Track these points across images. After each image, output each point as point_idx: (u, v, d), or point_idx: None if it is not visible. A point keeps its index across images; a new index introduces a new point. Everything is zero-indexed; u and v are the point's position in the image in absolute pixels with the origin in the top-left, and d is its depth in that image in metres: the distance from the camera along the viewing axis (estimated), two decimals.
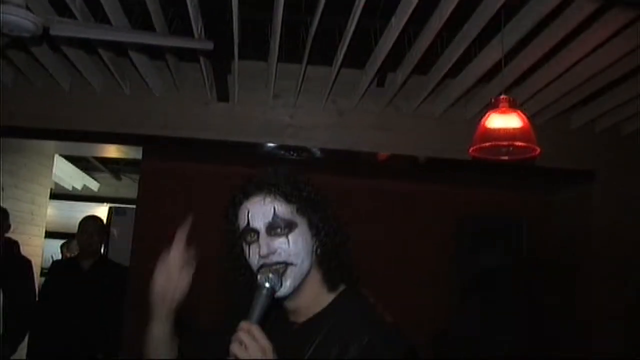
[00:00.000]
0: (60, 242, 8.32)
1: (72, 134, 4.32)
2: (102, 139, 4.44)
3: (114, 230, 6.43)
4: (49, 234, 7.85)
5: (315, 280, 1.55)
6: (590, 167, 4.49)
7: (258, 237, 1.50)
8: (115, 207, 6.80)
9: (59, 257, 7.83)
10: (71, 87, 4.22)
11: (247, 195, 1.55)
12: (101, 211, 7.51)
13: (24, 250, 5.40)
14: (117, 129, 4.21)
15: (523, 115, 2.90)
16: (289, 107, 4.24)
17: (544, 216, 5.09)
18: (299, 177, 1.58)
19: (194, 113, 4.19)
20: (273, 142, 4.25)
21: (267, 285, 1.42)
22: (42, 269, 6.66)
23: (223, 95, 4.10)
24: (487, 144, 2.85)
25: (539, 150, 2.88)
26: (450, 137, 4.23)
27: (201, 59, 3.63)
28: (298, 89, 4.06)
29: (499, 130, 2.84)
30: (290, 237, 1.49)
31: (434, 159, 4.34)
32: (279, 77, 3.97)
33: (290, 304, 1.57)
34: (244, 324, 1.34)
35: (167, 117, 4.20)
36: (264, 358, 1.30)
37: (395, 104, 4.25)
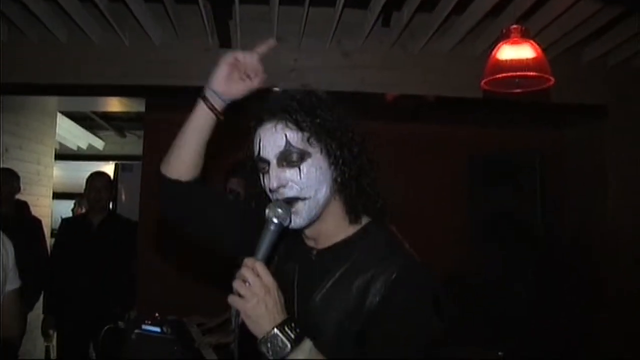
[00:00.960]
0: (68, 202, 8.33)
1: (73, 88, 4.24)
2: (103, 92, 4.37)
3: (122, 187, 6.41)
4: (57, 195, 7.85)
5: (337, 210, 1.50)
6: (602, 102, 4.40)
7: (269, 167, 1.44)
8: (122, 164, 6.76)
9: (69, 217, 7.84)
10: (68, 39, 4.11)
11: (259, 121, 1.49)
12: (107, 169, 7.44)
13: (34, 212, 5.41)
14: (118, 81, 4.12)
15: (536, 45, 2.81)
16: (293, 51, 4.13)
17: (557, 152, 5.03)
18: (315, 97, 1.48)
19: (196, 60, 4.07)
20: (277, 87, 4.09)
21: (274, 220, 1.37)
22: (52, 229, 6.66)
23: (225, 41, 3.99)
24: (499, 75, 2.76)
25: (553, 80, 2.79)
26: (459, 75, 4.13)
27: (201, 3, 3.52)
28: (301, 31, 3.95)
29: (511, 61, 2.76)
30: (302, 167, 1.42)
31: (443, 97, 4.24)
32: (281, 20, 3.85)
33: (309, 231, 1.54)
34: (248, 261, 1.31)
35: (168, 66, 4.10)
36: (267, 296, 1.28)
37: (402, 43, 4.12)
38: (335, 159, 1.43)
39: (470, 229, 4.91)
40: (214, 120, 1.58)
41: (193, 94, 4.08)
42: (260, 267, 1.30)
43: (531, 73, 2.74)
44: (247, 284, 1.27)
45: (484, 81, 2.86)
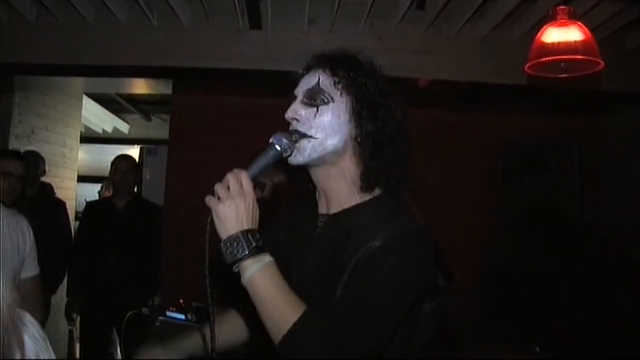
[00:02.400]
0: (92, 185, 8.32)
1: (99, 70, 4.17)
2: (130, 73, 4.31)
3: (147, 170, 6.35)
4: (81, 178, 7.85)
5: (350, 171, 1.50)
6: None
7: (294, 101, 1.51)
8: (147, 147, 6.70)
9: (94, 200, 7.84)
10: (96, 20, 4.03)
11: (307, 68, 1.55)
12: (132, 153, 7.41)
13: (58, 194, 5.39)
14: (145, 62, 4.04)
15: (584, 27, 2.66)
16: (325, 33, 3.99)
17: (596, 140, 4.86)
18: (361, 58, 1.52)
19: (225, 42, 3.98)
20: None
21: (276, 147, 1.42)
22: (76, 212, 6.65)
23: (255, 22, 3.88)
24: (545, 59, 2.62)
25: (602, 64, 2.64)
26: (496, 60, 3.98)
27: None
28: (334, 13, 3.81)
29: (558, 44, 2.61)
30: (320, 109, 1.47)
31: (478, 83, 4.09)
32: (313, 1, 3.73)
33: (321, 189, 1.57)
34: (235, 170, 1.38)
35: (197, 47, 4.00)
36: (240, 201, 1.34)
37: (437, 26, 3.97)
38: (357, 116, 1.45)
39: (506, 219, 4.77)
40: None
41: (222, 76, 4.01)
42: (244, 177, 1.37)
43: (579, 57, 2.59)
44: (226, 186, 1.35)
45: (528, 65, 2.72)
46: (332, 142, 1.45)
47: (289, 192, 1.86)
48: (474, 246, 4.65)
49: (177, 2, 3.75)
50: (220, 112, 4.82)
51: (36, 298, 2.43)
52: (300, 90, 1.51)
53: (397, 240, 1.38)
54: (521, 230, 4.60)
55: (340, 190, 1.51)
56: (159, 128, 9.47)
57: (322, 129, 1.45)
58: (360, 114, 1.45)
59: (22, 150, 4.81)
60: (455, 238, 4.56)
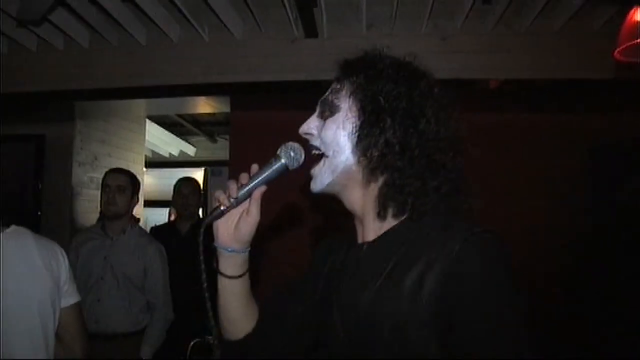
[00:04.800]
0: (161, 210, 8.37)
1: (155, 90, 4.09)
2: (186, 92, 4.20)
3: (212, 192, 6.28)
4: (150, 203, 7.88)
5: (368, 190, 1.28)
6: None
7: None
8: (211, 168, 6.64)
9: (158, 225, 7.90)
10: (147, 40, 3.97)
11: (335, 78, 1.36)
12: (199, 175, 7.42)
13: None
14: (199, 79, 3.93)
15: None
16: (385, 37, 3.76)
17: None
18: (382, 58, 1.32)
19: (281, 53, 3.83)
20: None
21: (282, 160, 1.30)
22: None
23: (311, 31, 3.71)
24: (638, 40, 2.30)
25: None
26: (574, 54, 3.64)
27: None
28: (393, 15, 3.59)
29: None
30: (326, 122, 1.30)
31: (555, 81, 3.76)
32: (370, 4, 3.54)
33: (353, 210, 1.34)
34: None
35: (251, 60, 3.86)
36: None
37: (506, 21, 3.68)
38: (361, 125, 1.24)
39: (592, 230, 4.38)
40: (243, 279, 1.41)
41: (279, 90, 3.83)
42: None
43: None
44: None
45: (617, 50, 2.42)
46: (342, 159, 1.26)
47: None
48: (559, 254, 4.32)
49: (228, 16, 3.64)
50: (279, 127, 4.60)
51: (77, 327, 2.29)
52: (320, 100, 1.36)
53: (478, 239, 1.10)
54: (610, 244, 4.22)
55: (371, 214, 1.28)
56: (224, 149, 9.43)
57: (329, 144, 1.27)
58: (365, 122, 1.23)
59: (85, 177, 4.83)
60: (539, 246, 4.25)
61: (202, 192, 4.92)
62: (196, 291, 3.83)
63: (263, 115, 4.90)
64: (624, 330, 3.93)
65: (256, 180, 1.30)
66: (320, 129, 1.30)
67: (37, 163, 5.53)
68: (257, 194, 1.30)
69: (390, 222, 1.25)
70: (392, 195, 1.22)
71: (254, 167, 1.33)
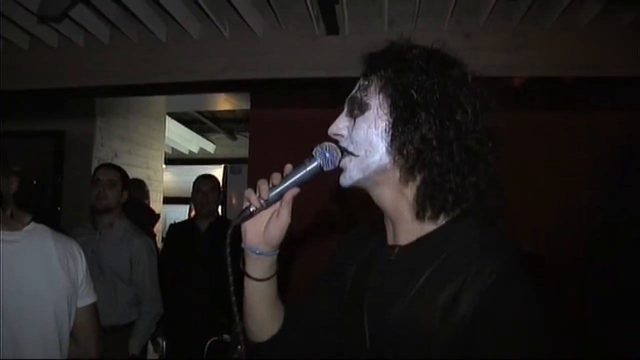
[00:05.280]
0: (180, 207, 8.40)
1: (176, 87, 4.06)
2: (206, 88, 4.18)
3: (231, 189, 6.26)
4: (169, 200, 7.90)
5: (407, 193, 1.21)
6: None
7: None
8: (231, 166, 6.63)
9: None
10: (168, 37, 3.95)
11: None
12: (219, 172, 7.44)
13: None
14: (220, 76, 3.90)
15: None
16: (408, 34, 3.67)
17: None
18: (414, 50, 1.24)
19: (301, 50, 3.78)
20: None
21: (317, 160, 1.25)
22: (162, 234, 6.65)
23: (332, 28, 3.65)
24: None
25: None
26: (603, 50, 3.54)
27: None
28: (416, 11, 3.52)
29: None
30: (356, 121, 1.22)
31: (583, 78, 3.65)
32: (393, 1, 3.47)
33: (384, 209, 1.28)
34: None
35: (271, 57, 3.82)
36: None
37: (532, 17, 3.59)
38: (394, 122, 1.17)
39: (623, 231, 4.29)
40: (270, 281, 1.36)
41: (299, 87, 3.79)
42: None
43: None
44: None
45: None
46: (375, 159, 1.19)
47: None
48: (580, 254, 4.24)
49: (249, 12, 3.60)
50: (300, 125, 4.64)
51: (92, 328, 2.27)
52: (348, 98, 1.28)
53: (513, 270, 1.07)
54: (626, 240, 4.15)
55: (405, 216, 1.22)
56: (244, 147, 9.43)
57: (361, 144, 1.20)
58: (398, 119, 1.16)
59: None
60: (561, 244, 4.18)
61: (221, 189, 4.89)
62: (214, 289, 3.84)
63: (283, 112, 4.87)
64: (634, 327, 3.86)
65: (289, 182, 1.25)
66: (351, 128, 1.23)
67: (57, 159, 5.56)
68: (289, 196, 1.25)
69: (426, 226, 1.20)
70: (431, 194, 1.15)
71: (288, 168, 1.28)
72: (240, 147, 9.74)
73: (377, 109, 1.19)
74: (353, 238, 1.48)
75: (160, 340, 4.46)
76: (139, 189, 5.41)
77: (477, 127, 1.16)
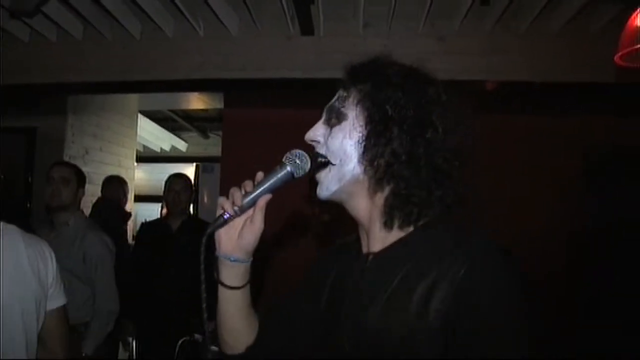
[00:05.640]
0: (152, 205, 8.32)
1: (148, 85, 4.04)
2: (180, 87, 4.15)
3: (203, 188, 6.23)
4: (141, 198, 7.82)
5: (375, 199, 1.25)
6: None
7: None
8: (203, 165, 6.60)
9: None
10: (142, 34, 3.92)
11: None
12: (191, 171, 7.41)
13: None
14: (194, 75, 3.88)
15: None
16: (382, 36, 3.73)
17: None
18: (389, 66, 1.27)
19: (276, 50, 3.78)
20: None
21: (288, 168, 1.25)
22: (133, 233, 6.59)
23: (307, 28, 3.66)
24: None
25: None
26: (573, 57, 3.62)
27: None
28: (391, 14, 3.55)
29: None
30: (333, 130, 1.26)
31: (553, 83, 3.71)
32: (368, 3, 3.49)
33: (358, 220, 1.31)
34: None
35: (246, 57, 3.82)
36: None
37: (504, 23, 3.66)
38: (368, 134, 1.21)
39: (587, 235, 4.36)
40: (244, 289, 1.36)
41: (273, 87, 3.78)
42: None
43: None
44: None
45: (618, 55, 2.37)
46: (349, 168, 1.23)
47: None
48: (550, 259, 4.30)
49: (224, 11, 3.60)
50: (273, 126, 4.63)
51: (62, 332, 2.22)
52: (326, 107, 1.31)
53: (486, 259, 1.09)
54: (603, 243, 4.21)
55: (377, 225, 1.25)
56: (216, 145, 9.41)
57: (336, 153, 1.24)
58: (372, 132, 1.20)
59: None
60: (532, 250, 4.23)
61: (193, 188, 4.86)
62: (186, 288, 3.82)
63: (256, 112, 4.86)
64: (618, 331, 3.92)
65: (261, 189, 1.25)
66: (327, 136, 1.27)
67: (28, 156, 5.48)
68: (262, 203, 1.26)
69: (396, 233, 1.23)
70: (398, 205, 1.20)
71: (259, 175, 1.28)
72: (212, 146, 9.70)
73: (354, 120, 1.22)
74: (334, 249, 1.50)
75: (130, 339, 4.41)
76: (118, 186, 5.37)
77: (446, 145, 1.19)
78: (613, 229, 4.18)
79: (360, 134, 1.21)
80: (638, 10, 2.32)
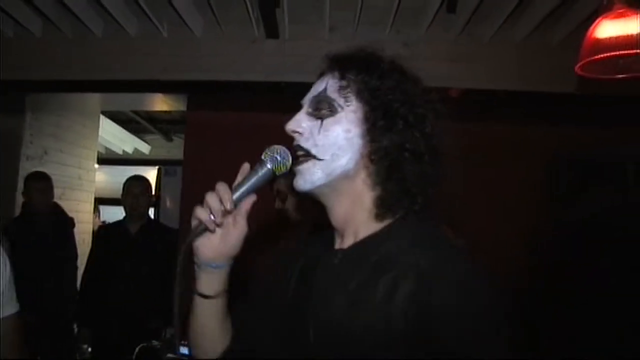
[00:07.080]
0: (114, 208, 8.19)
1: (111, 85, 3.96)
2: (142, 88, 4.09)
3: (165, 192, 6.14)
4: (102, 200, 7.69)
5: (363, 197, 1.21)
6: None
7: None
8: (165, 168, 6.50)
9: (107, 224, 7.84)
10: (104, 33, 3.84)
11: (320, 73, 1.27)
12: (153, 174, 7.31)
13: (75, 217, 5.21)
14: (157, 76, 3.82)
15: None
16: (348, 41, 3.70)
17: None
18: (379, 57, 1.24)
19: (240, 53, 3.75)
20: None
21: (268, 165, 1.21)
22: (92, 235, 6.48)
23: (272, 31, 3.64)
24: (600, 56, 2.28)
25: None
26: (535, 67, 3.67)
27: None
28: (357, 19, 3.56)
29: (615, 38, 2.27)
30: (325, 121, 1.19)
31: (516, 92, 3.77)
32: (334, 7, 3.48)
33: (333, 221, 1.27)
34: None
35: (209, 59, 3.78)
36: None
37: (470, 31, 3.69)
38: (371, 128, 1.17)
39: (552, 243, 4.41)
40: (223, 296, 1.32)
41: (238, 90, 3.74)
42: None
43: None
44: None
45: (579, 65, 2.40)
46: (341, 163, 1.17)
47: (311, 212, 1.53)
48: (516, 269, 4.33)
49: (188, 12, 3.55)
50: (237, 129, 4.59)
51: (15, 340, 2.12)
52: (307, 99, 1.25)
53: (450, 257, 1.10)
54: (570, 253, 4.25)
55: (355, 220, 1.22)
56: (180, 148, 9.31)
57: (328, 147, 1.17)
58: (375, 125, 1.16)
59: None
60: (497, 259, 4.25)
61: (152, 191, 4.77)
62: (144, 294, 3.74)
63: (220, 115, 4.82)
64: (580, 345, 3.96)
65: (240, 191, 1.20)
66: (316, 128, 1.20)
67: None
68: (246, 206, 1.22)
69: (371, 227, 1.21)
70: (395, 200, 1.18)
71: (238, 179, 1.23)
72: (175, 149, 9.58)
73: (352, 113, 1.18)
74: (302, 243, 1.47)
75: (84, 347, 4.30)
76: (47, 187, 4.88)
77: (434, 138, 1.18)
78: (576, 236, 4.23)
79: (361, 128, 1.18)
80: (598, 21, 2.35)
